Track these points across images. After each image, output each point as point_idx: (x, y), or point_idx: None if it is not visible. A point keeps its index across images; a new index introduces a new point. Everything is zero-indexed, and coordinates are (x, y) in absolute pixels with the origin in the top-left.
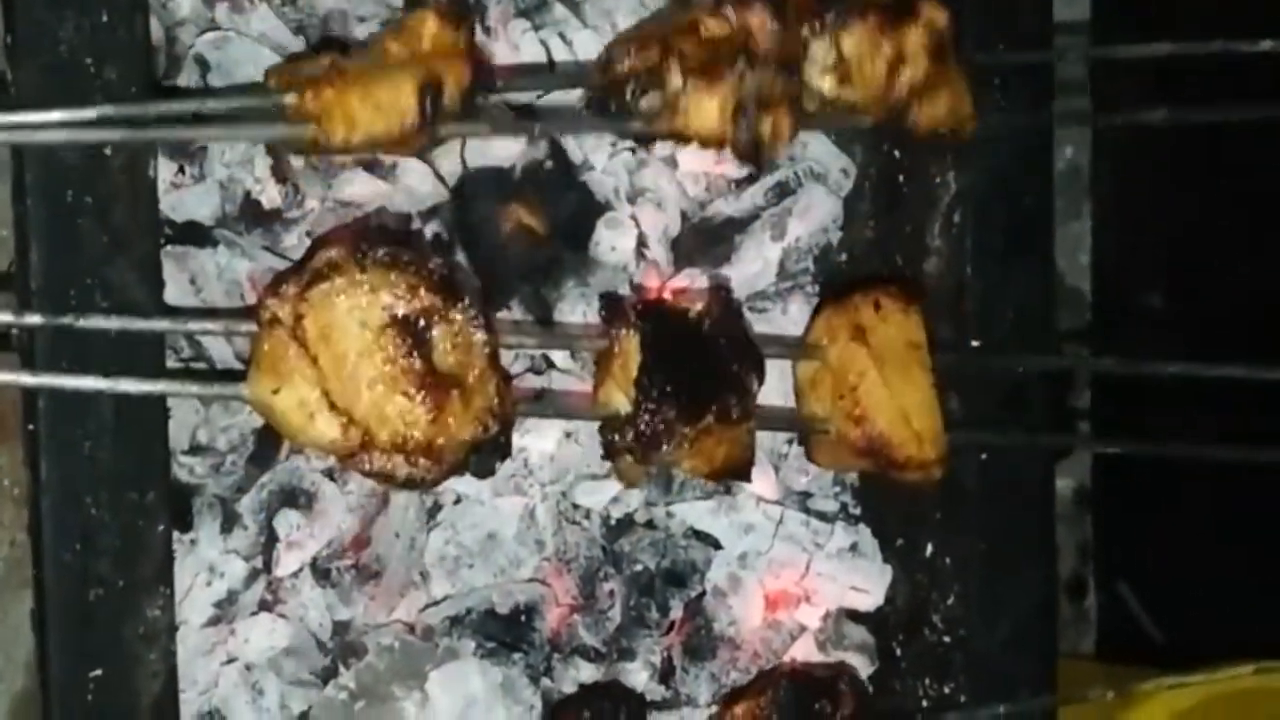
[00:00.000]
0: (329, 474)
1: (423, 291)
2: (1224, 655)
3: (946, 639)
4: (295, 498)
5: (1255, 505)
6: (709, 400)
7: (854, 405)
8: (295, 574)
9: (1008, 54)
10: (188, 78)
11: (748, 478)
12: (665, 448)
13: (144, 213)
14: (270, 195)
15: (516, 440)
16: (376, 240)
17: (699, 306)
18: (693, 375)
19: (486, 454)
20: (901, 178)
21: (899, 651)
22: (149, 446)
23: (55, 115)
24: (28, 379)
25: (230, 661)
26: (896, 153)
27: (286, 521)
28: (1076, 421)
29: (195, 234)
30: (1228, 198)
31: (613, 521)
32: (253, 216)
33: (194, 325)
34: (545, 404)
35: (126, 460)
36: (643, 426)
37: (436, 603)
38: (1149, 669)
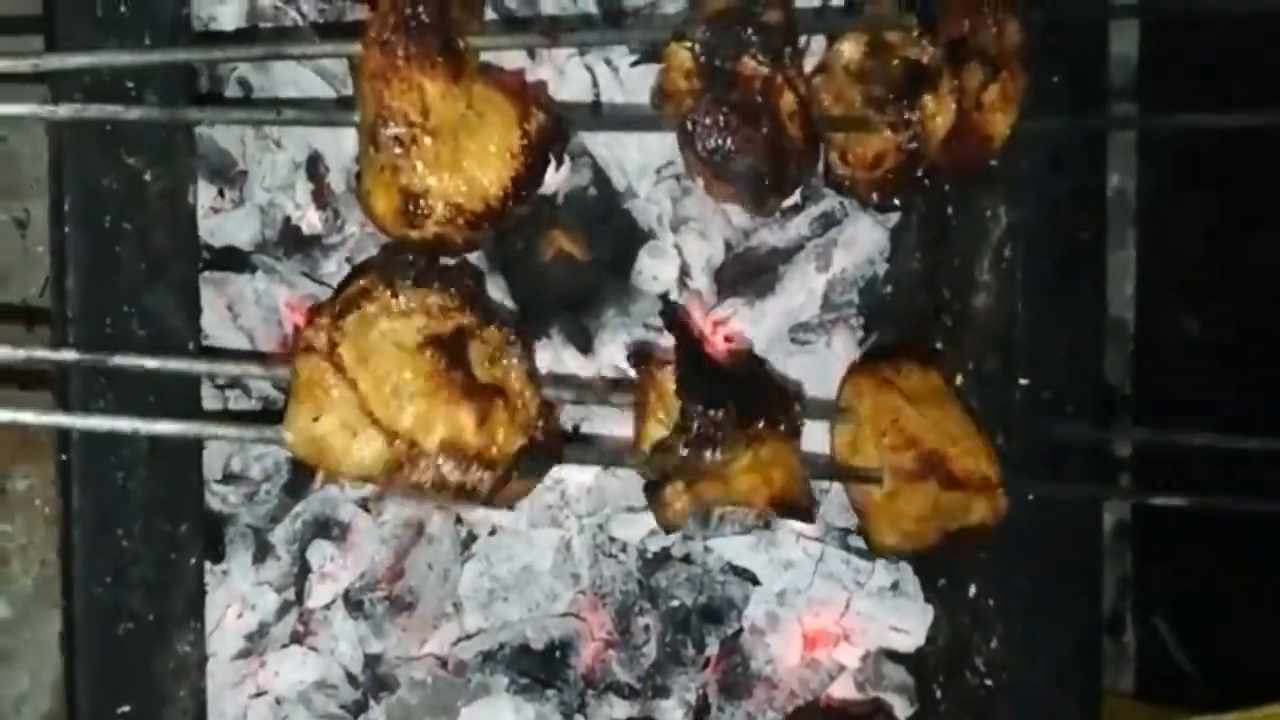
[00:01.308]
0: (363, 504)
1: (456, 311)
2: (1263, 692)
3: (989, 681)
4: (329, 528)
5: None
6: (756, 411)
7: (898, 435)
8: (327, 605)
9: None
10: None
11: (810, 518)
12: (715, 453)
13: (183, 238)
14: (310, 220)
15: (554, 471)
16: (408, 265)
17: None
18: (735, 390)
19: (538, 458)
20: (950, 209)
21: (939, 694)
22: (183, 476)
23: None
24: (63, 419)
25: (259, 695)
26: (946, 185)
27: (319, 552)
28: (1118, 471)
29: (234, 260)
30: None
31: (650, 555)
32: (292, 242)
33: (231, 368)
34: (587, 448)
35: (160, 490)
36: (694, 431)
37: (470, 636)
38: (1188, 708)
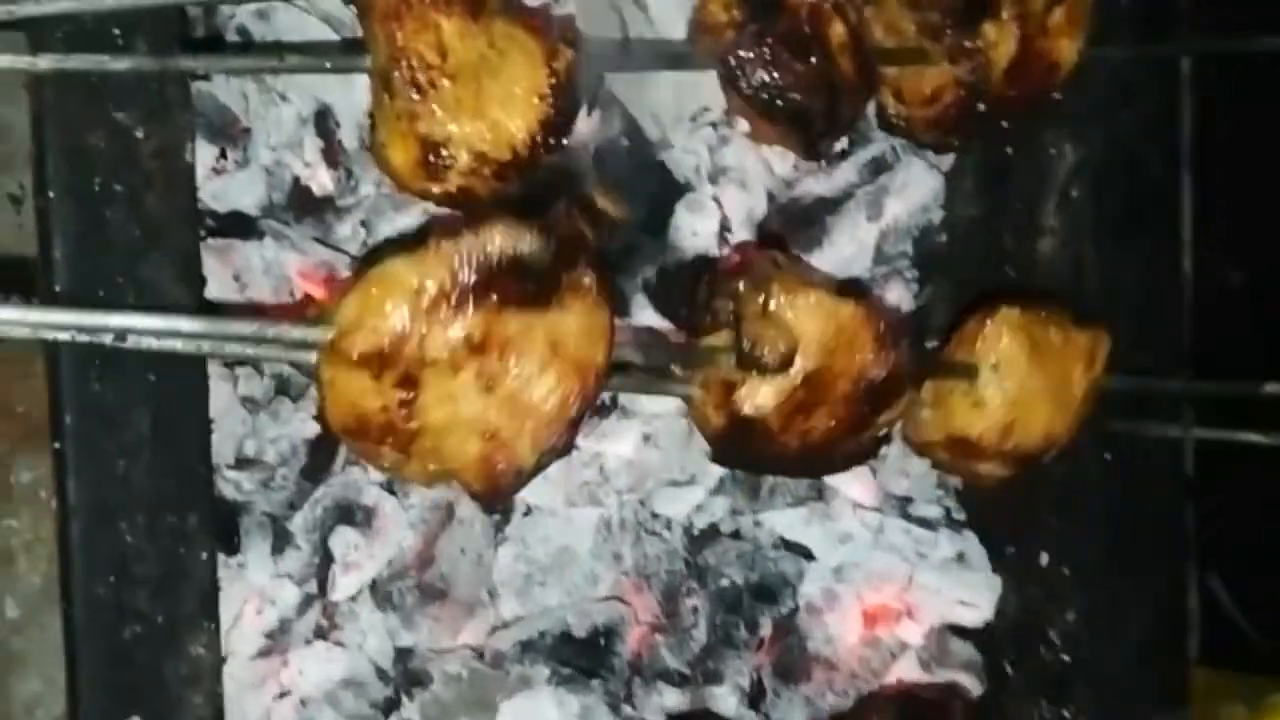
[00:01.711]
0: (388, 487)
1: None
2: None
3: (1065, 657)
4: (352, 514)
5: None
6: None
7: None
8: (353, 597)
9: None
10: None
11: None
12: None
13: (181, 202)
14: (321, 181)
15: (590, 445)
16: None
17: None
18: None
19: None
20: (1010, 149)
21: (1011, 671)
22: (190, 462)
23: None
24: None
25: (283, 695)
26: (1004, 122)
27: (343, 540)
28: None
29: (239, 225)
30: None
31: (696, 532)
32: (302, 205)
33: (241, 326)
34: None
35: (166, 479)
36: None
37: (507, 625)
38: (1260, 676)
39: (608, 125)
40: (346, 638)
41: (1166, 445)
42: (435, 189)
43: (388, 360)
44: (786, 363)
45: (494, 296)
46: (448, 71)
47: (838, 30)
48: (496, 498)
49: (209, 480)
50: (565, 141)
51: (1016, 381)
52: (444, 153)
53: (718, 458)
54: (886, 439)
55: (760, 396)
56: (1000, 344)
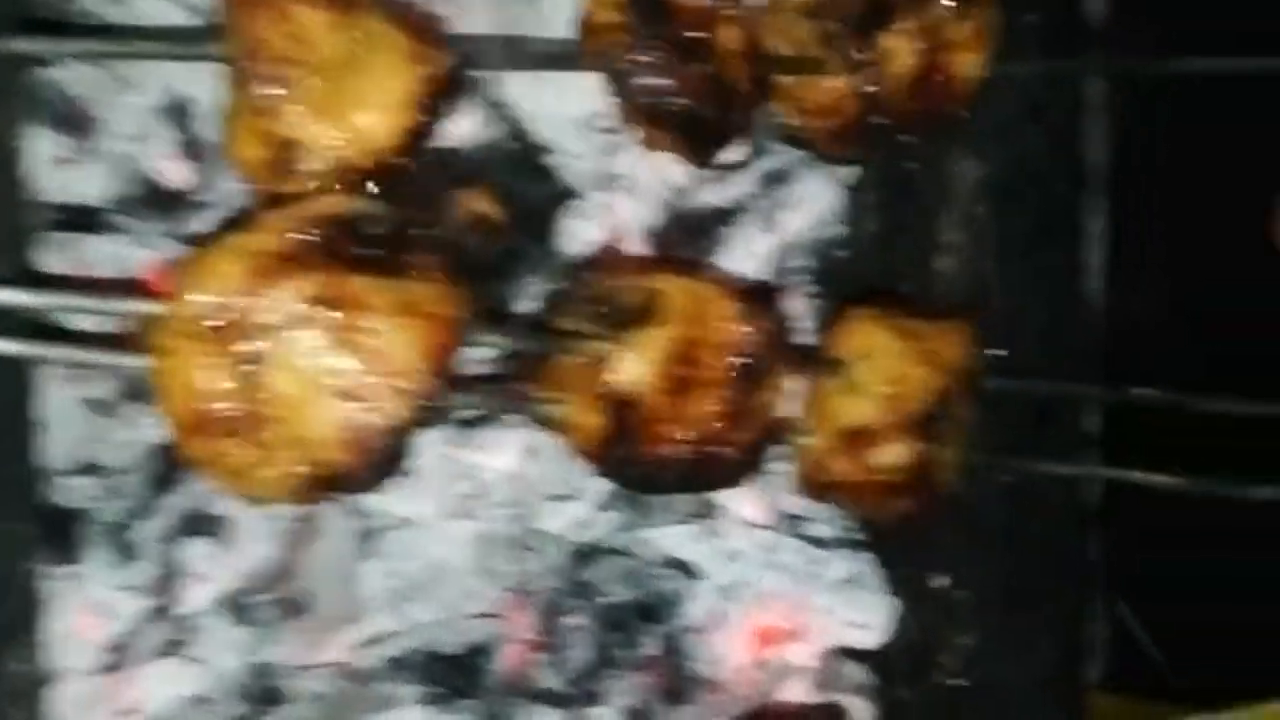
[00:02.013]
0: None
1: None
2: (1234, 684)
3: (960, 680)
4: (204, 525)
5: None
6: None
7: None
8: (206, 611)
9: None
10: None
11: None
12: None
13: (13, 193)
14: (175, 175)
15: (468, 456)
16: None
17: None
18: None
19: None
20: (913, 165)
21: (905, 695)
22: (13, 464)
23: None
24: None
25: (128, 715)
26: (906, 136)
27: (193, 551)
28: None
29: (85, 219)
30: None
31: (579, 548)
32: (154, 199)
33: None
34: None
35: None
36: None
37: (374, 641)
38: (1162, 700)
39: (493, 126)
40: (198, 653)
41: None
42: (287, 188)
43: (226, 332)
44: (647, 318)
45: (335, 260)
46: (307, 66)
47: (730, 35)
48: (372, 467)
49: (31, 484)
50: (433, 146)
51: (889, 359)
52: (297, 153)
53: (605, 467)
54: (776, 440)
55: (631, 366)
56: (865, 334)
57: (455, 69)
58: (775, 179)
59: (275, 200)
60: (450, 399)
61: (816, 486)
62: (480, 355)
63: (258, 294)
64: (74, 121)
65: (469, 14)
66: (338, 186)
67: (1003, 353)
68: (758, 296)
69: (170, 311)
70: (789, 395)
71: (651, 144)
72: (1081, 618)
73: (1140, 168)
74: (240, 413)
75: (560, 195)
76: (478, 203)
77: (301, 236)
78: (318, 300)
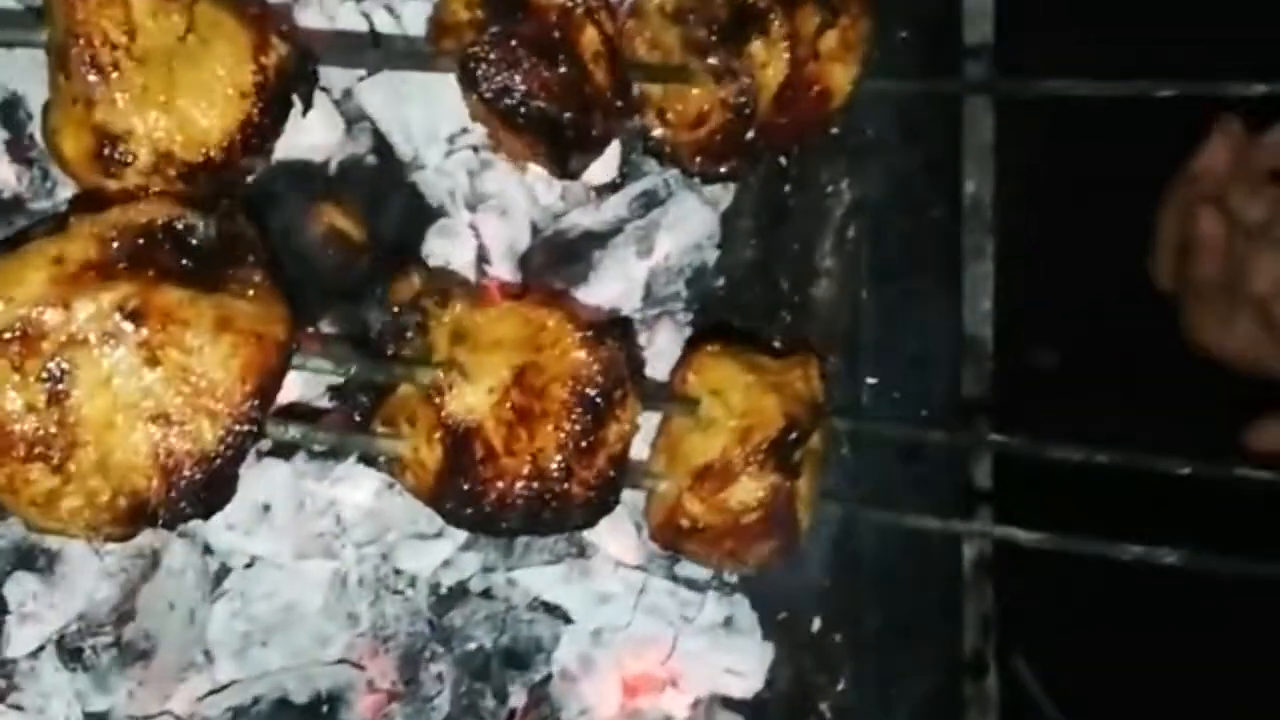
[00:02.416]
0: None
1: None
2: None
3: None
4: (33, 558)
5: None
6: None
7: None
8: (34, 654)
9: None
10: None
11: None
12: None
13: None
14: (6, 179)
15: (325, 491)
16: None
17: None
18: None
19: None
20: (788, 187)
21: None
22: None
23: None
24: None
25: None
26: (782, 159)
27: (21, 588)
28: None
29: None
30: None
31: (443, 590)
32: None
33: None
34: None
35: None
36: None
37: (218, 690)
38: None
39: (354, 141)
40: (26, 700)
41: (948, 503)
42: (111, 185)
43: (29, 340)
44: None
45: (150, 270)
46: (134, 54)
47: (590, 37)
48: (188, 497)
49: None
50: (269, 149)
51: (738, 392)
52: (122, 147)
53: (447, 511)
54: (621, 478)
55: (470, 397)
56: (714, 368)
57: (297, 62)
58: (649, 201)
59: (92, 202)
60: (276, 430)
61: (670, 535)
62: (318, 385)
63: (62, 304)
64: None
65: (318, 9)
66: (166, 184)
67: (872, 381)
68: (606, 327)
69: None
70: (638, 434)
71: (508, 151)
72: (960, 668)
73: (1021, 193)
74: (43, 434)
75: (425, 213)
76: (337, 218)
77: (113, 244)
78: (127, 312)
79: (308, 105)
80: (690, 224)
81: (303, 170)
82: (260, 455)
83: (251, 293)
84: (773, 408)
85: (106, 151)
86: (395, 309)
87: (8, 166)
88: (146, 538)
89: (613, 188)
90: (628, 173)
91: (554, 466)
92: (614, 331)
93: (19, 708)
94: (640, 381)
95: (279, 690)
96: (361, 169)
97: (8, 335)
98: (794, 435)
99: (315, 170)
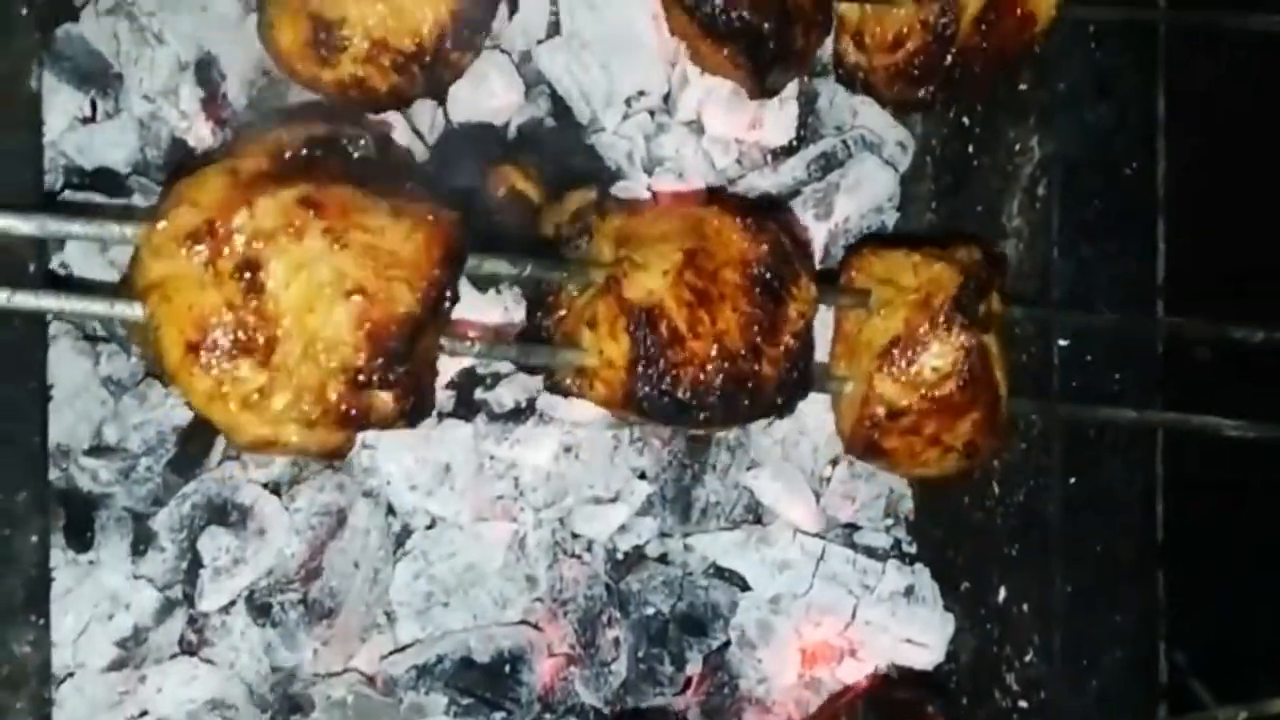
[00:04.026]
0: (271, 488)
1: None
2: None
3: (1023, 703)
4: (227, 513)
5: None
6: None
7: None
8: (226, 609)
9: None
10: None
11: None
12: None
13: (24, 142)
14: (200, 135)
15: (505, 453)
16: None
17: None
18: None
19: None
20: (971, 148)
21: (965, 718)
22: (22, 434)
23: None
24: None
25: (140, 716)
26: (965, 119)
27: (215, 543)
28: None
29: (107, 182)
30: None
31: (619, 555)
32: (189, 161)
33: (88, 305)
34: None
35: None
36: None
37: (402, 649)
38: None
39: (534, 104)
40: (216, 654)
41: (1137, 474)
42: (326, 75)
43: (219, 239)
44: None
45: (319, 174)
46: None
47: None
48: (390, 357)
49: (43, 454)
50: (478, 43)
51: (907, 272)
52: (337, 34)
53: (643, 401)
54: (809, 354)
55: (647, 281)
56: (879, 260)
57: None
58: (827, 163)
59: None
60: (460, 346)
61: (866, 433)
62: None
63: (244, 204)
64: (96, 79)
65: None
66: (380, 74)
67: (1064, 343)
68: (765, 213)
69: (157, 230)
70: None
71: (705, 63)
72: (1157, 636)
73: (1199, 136)
74: (245, 329)
75: (603, 176)
76: (517, 179)
77: (282, 156)
78: (308, 203)
79: (514, 5)
80: (870, 186)
81: (483, 133)
82: (441, 417)
83: (418, 196)
84: (946, 272)
85: (322, 37)
86: (565, 223)
87: (203, 124)
88: (332, 495)
89: (790, 150)
90: (805, 135)
91: (741, 346)
92: (775, 216)
93: (210, 662)
94: (810, 262)
95: (462, 649)
96: (541, 131)
97: (197, 236)
98: (973, 290)
99: (496, 133)
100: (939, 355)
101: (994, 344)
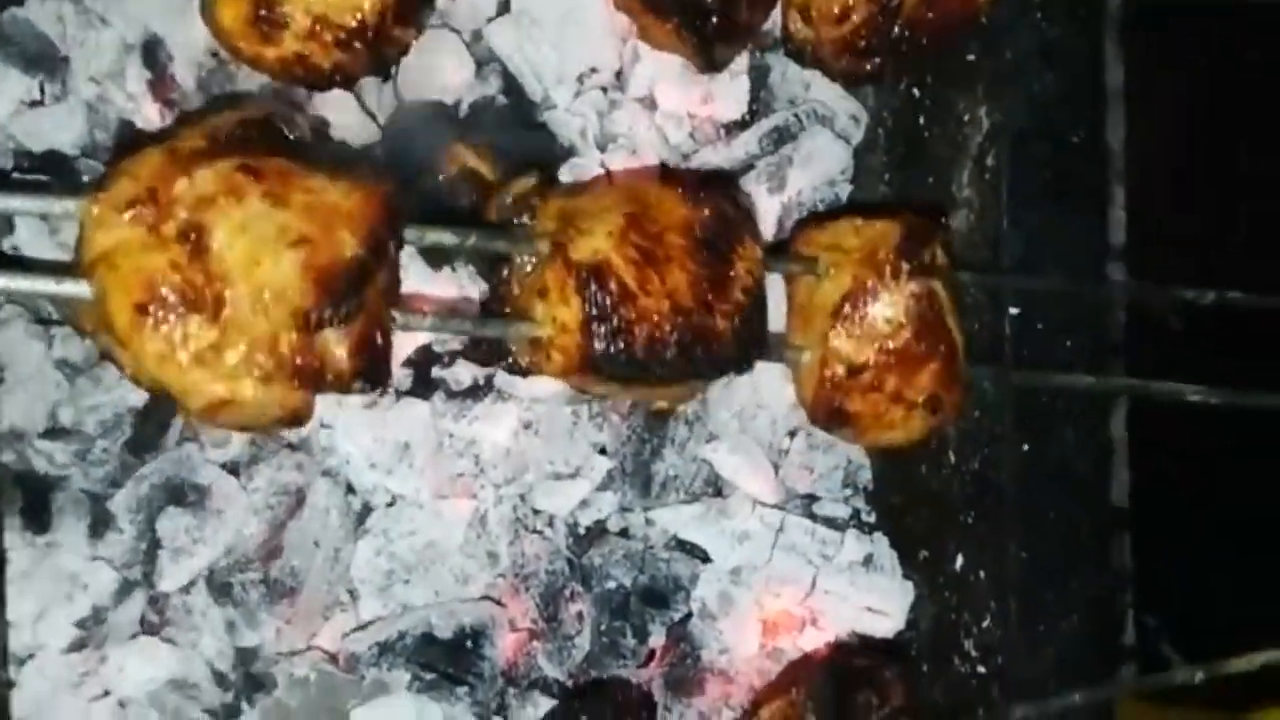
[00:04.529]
0: (230, 468)
1: None
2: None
3: (981, 669)
4: (184, 494)
5: None
6: None
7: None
8: (186, 589)
9: None
10: None
11: None
12: None
13: None
14: (148, 116)
15: (464, 430)
16: None
17: None
18: None
19: None
20: (922, 119)
21: (924, 683)
22: None
23: None
24: None
25: (102, 697)
26: (915, 90)
27: (173, 523)
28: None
29: (55, 165)
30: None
31: (581, 529)
32: (129, 144)
33: (32, 284)
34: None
35: None
36: None
37: (364, 626)
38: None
39: (485, 82)
40: (178, 634)
41: (1092, 440)
42: (269, 53)
43: (161, 205)
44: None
45: (258, 147)
46: None
47: None
48: (337, 297)
49: None
50: (421, 20)
51: (850, 235)
52: (278, 10)
53: (601, 359)
54: (761, 306)
55: (592, 241)
56: (826, 230)
57: None
58: (780, 137)
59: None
60: (413, 320)
61: (828, 397)
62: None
63: (183, 174)
64: (43, 62)
65: None
66: (322, 50)
67: (1015, 311)
68: (705, 181)
69: (98, 199)
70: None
71: (653, 41)
72: (1112, 602)
73: (1157, 108)
74: (192, 286)
75: (556, 153)
76: (469, 158)
77: (218, 136)
78: (246, 170)
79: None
80: (822, 159)
81: (435, 111)
82: (399, 395)
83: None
84: (887, 226)
85: (263, 14)
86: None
87: (150, 105)
88: (291, 475)
89: (742, 125)
90: (757, 109)
91: (691, 302)
92: (718, 186)
93: (171, 641)
94: (753, 225)
95: (423, 625)
96: (493, 109)
97: (138, 203)
98: (915, 241)
99: (447, 111)
100: (890, 305)
101: (943, 293)
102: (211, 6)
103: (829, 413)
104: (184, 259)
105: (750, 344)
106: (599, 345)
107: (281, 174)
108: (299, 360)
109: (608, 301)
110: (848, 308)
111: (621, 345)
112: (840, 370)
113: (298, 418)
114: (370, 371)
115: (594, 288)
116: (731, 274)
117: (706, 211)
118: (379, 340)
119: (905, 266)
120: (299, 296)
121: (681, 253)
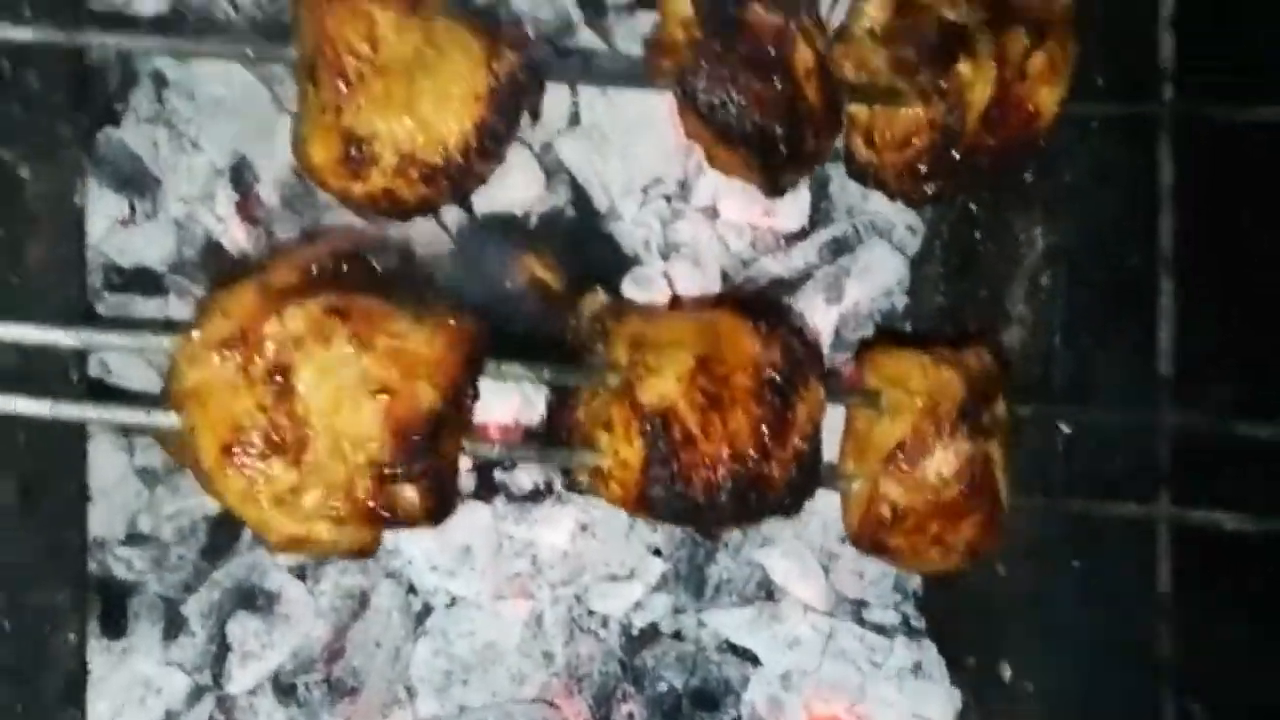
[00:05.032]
0: (296, 572)
1: None
2: None
3: None
4: (254, 599)
5: None
6: None
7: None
8: (253, 691)
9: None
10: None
11: None
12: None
13: (69, 251)
14: (235, 237)
15: (523, 533)
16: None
17: None
18: None
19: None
20: (978, 234)
21: None
22: (62, 535)
23: None
24: None
25: None
26: (972, 205)
27: (243, 627)
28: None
29: (145, 282)
30: None
31: (634, 631)
32: (215, 262)
33: (129, 415)
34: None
35: (32, 553)
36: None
37: None
38: None
39: (553, 192)
40: None
41: (1138, 556)
42: (357, 189)
43: (251, 345)
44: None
45: (347, 283)
46: (378, 64)
47: (804, 56)
48: (414, 451)
49: (82, 554)
50: (502, 153)
51: (916, 375)
52: (367, 149)
53: (655, 503)
54: (817, 455)
55: (660, 386)
56: (891, 360)
57: (526, 71)
58: (838, 248)
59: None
60: (481, 448)
61: (871, 530)
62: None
63: (274, 314)
64: (135, 183)
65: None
66: (408, 186)
67: (1067, 430)
68: (775, 317)
69: (192, 339)
70: (826, 434)
71: (719, 165)
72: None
73: (1208, 229)
74: (276, 430)
75: (621, 262)
76: (537, 268)
77: (309, 270)
78: (333, 311)
79: (536, 114)
80: (879, 270)
81: (505, 222)
82: (462, 499)
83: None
84: (953, 379)
85: (353, 153)
86: (580, 324)
87: (238, 226)
88: (356, 578)
89: (802, 235)
90: (817, 220)
91: (751, 448)
92: (784, 320)
93: None
94: (819, 365)
95: None
96: (561, 220)
97: (230, 344)
98: (979, 401)
99: (517, 222)
100: (943, 461)
101: (997, 451)
102: (303, 144)
103: (871, 543)
104: (270, 401)
105: (801, 491)
106: (657, 489)
107: (367, 316)
108: (372, 505)
109: (670, 449)
110: (902, 455)
111: (678, 491)
112: (886, 511)
113: (366, 551)
114: (439, 512)
115: (658, 435)
116: (792, 419)
117: (775, 350)
118: (449, 483)
119: (964, 429)
120: (377, 447)
121: (746, 395)
